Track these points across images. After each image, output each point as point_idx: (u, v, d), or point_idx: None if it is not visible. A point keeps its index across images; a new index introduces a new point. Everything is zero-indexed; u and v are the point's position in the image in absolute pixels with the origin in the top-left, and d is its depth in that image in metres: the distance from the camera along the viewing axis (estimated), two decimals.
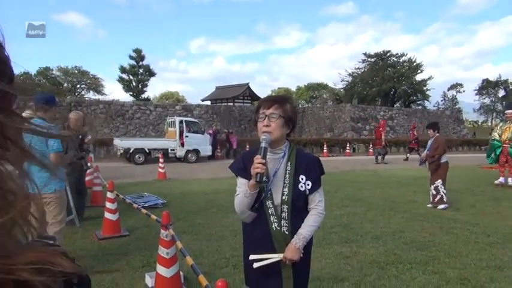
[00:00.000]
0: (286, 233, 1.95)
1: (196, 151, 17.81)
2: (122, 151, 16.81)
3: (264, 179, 1.90)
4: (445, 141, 7.73)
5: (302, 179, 1.99)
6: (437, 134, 7.62)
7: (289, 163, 2.00)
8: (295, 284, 1.98)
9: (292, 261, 1.92)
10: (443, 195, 7.44)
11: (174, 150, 17.50)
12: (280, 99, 2.05)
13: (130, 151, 16.67)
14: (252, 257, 1.96)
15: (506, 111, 11.01)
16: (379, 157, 17.71)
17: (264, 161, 1.84)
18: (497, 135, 10.16)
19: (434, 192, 7.47)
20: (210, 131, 19.99)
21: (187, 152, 17.61)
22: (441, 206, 7.35)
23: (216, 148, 20.12)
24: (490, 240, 5.23)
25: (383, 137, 18.37)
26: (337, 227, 5.84)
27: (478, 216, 6.63)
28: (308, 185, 1.99)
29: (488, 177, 11.41)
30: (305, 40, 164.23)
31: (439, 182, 7.45)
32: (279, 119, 1.94)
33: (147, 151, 16.98)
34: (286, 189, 1.96)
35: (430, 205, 7.48)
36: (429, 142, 7.72)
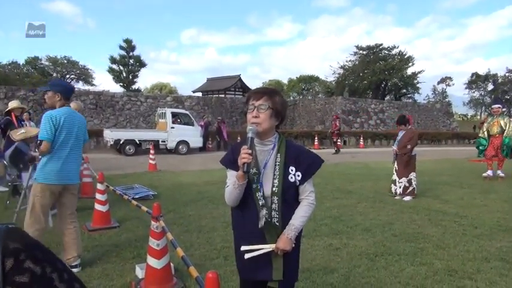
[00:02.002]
0: (277, 224, 1.95)
1: (186, 143, 17.73)
2: (112, 142, 16.68)
3: (254, 170, 1.91)
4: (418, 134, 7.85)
5: (292, 170, 1.99)
6: (410, 127, 7.71)
7: (278, 154, 2.00)
8: (286, 274, 1.99)
9: (284, 251, 1.93)
10: (415, 187, 7.56)
11: (164, 141, 17.42)
12: (270, 91, 2.05)
13: (121, 142, 16.55)
14: (243, 247, 1.97)
15: (492, 106, 11.13)
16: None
17: (250, 151, 1.84)
18: (486, 131, 10.26)
19: (407, 184, 7.54)
20: (202, 123, 19.91)
21: (178, 143, 17.53)
22: (407, 198, 7.44)
23: (207, 140, 20.06)
24: (477, 232, 5.31)
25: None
26: (327, 219, 5.88)
27: (466, 209, 6.72)
28: (298, 176, 1.99)
29: (476, 170, 11.56)
30: (297, 32, 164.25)
31: (412, 175, 7.55)
32: (268, 110, 1.95)
33: (138, 142, 16.88)
34: (276, 181, 1.96)
35: (398, 197, 7.55)
36: (399, 135, 7.79)
